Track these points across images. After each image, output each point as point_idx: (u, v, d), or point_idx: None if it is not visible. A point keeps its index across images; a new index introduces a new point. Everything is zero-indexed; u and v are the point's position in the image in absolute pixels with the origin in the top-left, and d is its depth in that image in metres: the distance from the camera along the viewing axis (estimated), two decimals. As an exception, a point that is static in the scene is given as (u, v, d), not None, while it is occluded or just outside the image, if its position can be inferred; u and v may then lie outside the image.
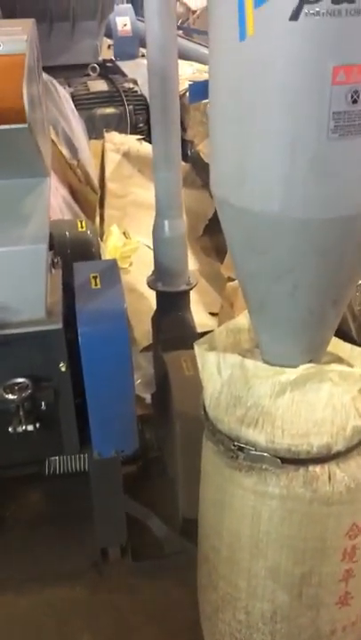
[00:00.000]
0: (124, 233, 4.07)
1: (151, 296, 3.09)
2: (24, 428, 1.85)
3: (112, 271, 2.09)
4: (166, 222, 2.44)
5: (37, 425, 1.86)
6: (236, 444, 1.57)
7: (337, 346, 1.67)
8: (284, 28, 1.07)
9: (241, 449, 1.56)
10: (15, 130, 1.35)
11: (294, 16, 1.06)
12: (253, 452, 1.54)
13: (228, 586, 1.73)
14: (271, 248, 1.33)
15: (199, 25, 8.68)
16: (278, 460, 1.49)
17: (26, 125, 1.35)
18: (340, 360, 1.64)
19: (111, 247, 3.75)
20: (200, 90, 4.19)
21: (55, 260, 2.09)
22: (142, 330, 3.15)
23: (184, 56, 5.97)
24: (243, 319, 1.81)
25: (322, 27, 1.06)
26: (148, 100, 4.89)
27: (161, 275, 2.55)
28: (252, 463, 1.56)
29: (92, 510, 2.26)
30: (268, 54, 1.11)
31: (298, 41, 1.08)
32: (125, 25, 5.57)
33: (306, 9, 1.05)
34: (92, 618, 2.14)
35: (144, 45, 6.11)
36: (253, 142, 1.20)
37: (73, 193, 3.71)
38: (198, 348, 1.66)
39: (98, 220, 4.04)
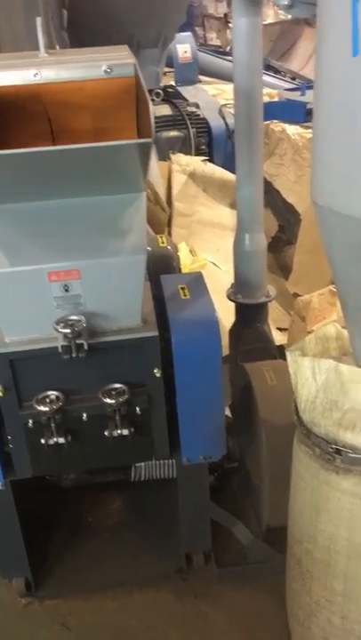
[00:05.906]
0: (191, 251, 4.17)
1: (221, 310, 3.14)
2: (119, 432, 1.93)
3: (199, 283, 2.17)
4: (247, 236, 2.50)
5: (132, 429, 1.94)
6: (333, 446, 1.61)
7: None
8: None
9: (338, 452, 1.60)
10: (138, 145, 1.44)
11: None
12: (352, 455, 1.58)
13: (323, 589, 1.75)
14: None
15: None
16: (378, 462, 1.52)
17: (150, 140, 1.45)
18: None
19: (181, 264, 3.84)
20: (265, 111, 4.30)
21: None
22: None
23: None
24: (331, 328, 1.86)
25: None
26: (209, 122, 5.07)
27: (241, 287, 2.61)
28: (349, 466, 1.59)
29: (175, 518, 2.31)
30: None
31: None
32: (186, 52, 5.76)
33: None
34: (179, 622, 2.18)
35: (202, 72, 6.31)
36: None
37: (143, 212, 3.83)
38: (291, 354, 1.70)
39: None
